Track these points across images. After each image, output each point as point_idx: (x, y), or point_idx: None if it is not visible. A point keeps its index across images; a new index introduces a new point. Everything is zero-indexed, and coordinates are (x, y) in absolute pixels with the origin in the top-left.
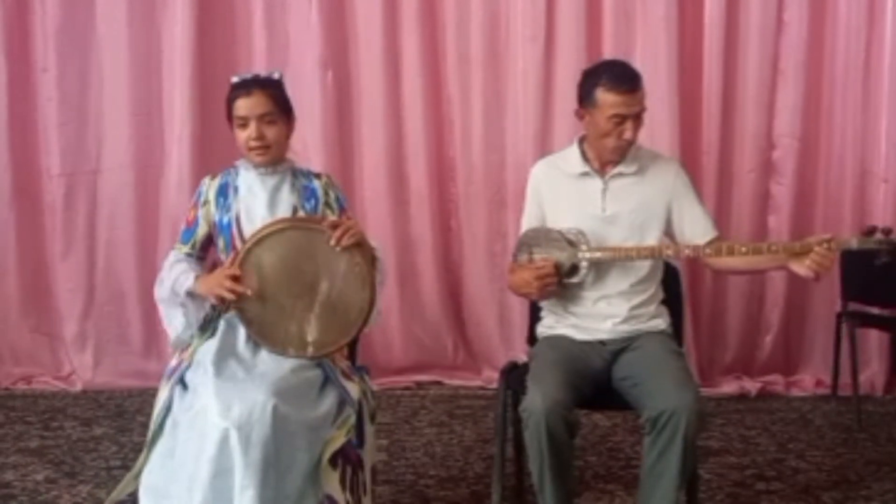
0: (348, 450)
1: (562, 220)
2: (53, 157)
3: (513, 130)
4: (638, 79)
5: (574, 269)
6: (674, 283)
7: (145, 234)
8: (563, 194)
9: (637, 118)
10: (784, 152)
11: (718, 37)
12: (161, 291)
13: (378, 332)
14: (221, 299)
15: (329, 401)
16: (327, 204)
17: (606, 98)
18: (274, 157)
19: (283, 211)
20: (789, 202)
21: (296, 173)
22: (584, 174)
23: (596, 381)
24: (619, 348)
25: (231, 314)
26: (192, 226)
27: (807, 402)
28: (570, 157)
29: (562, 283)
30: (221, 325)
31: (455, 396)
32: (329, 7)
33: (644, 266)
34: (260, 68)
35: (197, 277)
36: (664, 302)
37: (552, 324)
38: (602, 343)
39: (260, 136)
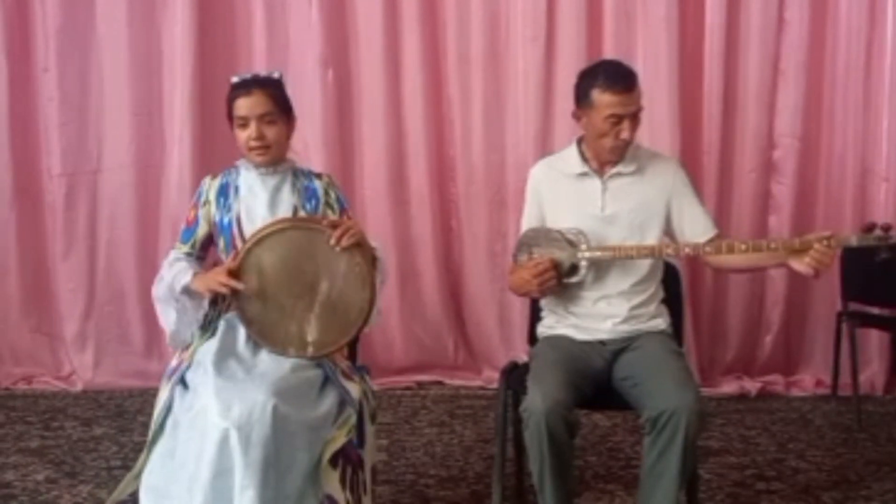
0: (349, 450)
1: (561, 220)
2: (54, 156)
3: (513, 130)
4: (633, 78)
5: (574, 268)
6: (674, 283)
7: (146, 234)
8: (563, 195)
9: (634, 118)
10: (785, 152)
11: (719, 37)
12: (158, 289)
13: (378, 332)
14: (217, 294)
15: (329, 401)
16: (328, 204)
17: (602, 98)
18: (274, 157)
19: (284, 211)
20: (790, 202)
21: (297, 173)
22: (583, 174)
23: (596, 381)
24: (620, 348)
25: (231, 314)
26: (192, 225)
27: (807, 402)
28: (568, 158)
29: (562, 283)
30: (221, 325)
31: (455, 396)
32: (329, 7)
33: (644, 266)
34: (260, 68)
35: (195, 275)
36: (664, 301)
37: (552, 324)
38: (602, 343)
39: (260, 136)
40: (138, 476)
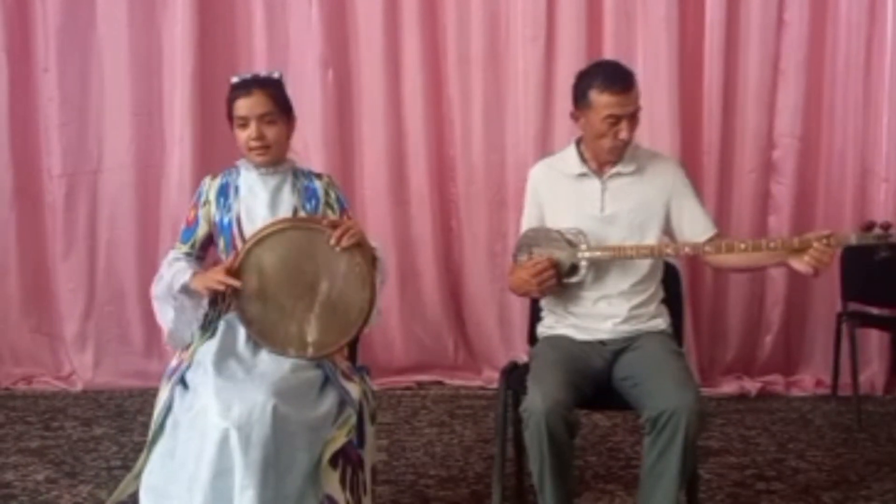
0: (349, 450)
1: (561, 220)
2: (54, 157)
3: (513, 130)
4: (631, 78)
5: (574, 268)
6: (674, 283)
7: (146, 234)
8: (562, 195)
9: (632, 118)
10: (784, 152)
11: (719, 36)
12: (157, 288)
13: (378, 332)
14: (217, 294)
15: (329, 401)
16: (328, 204)
17: (600, 99)
18: (274, 157)
19: (284, 211)
20: (790, 202)
21: (297, 174)
22: (583, 175)
23: (596, 381)
24: (620, 348)
25: (232, 314)
26: (192, 225)
27: (807, 402)
28: (567, 159)
29: (562, 283)
30: (221, 325)
31: (455, 396)
32: (329, 6)
33: (644, 266)
34: (260, 68)
35: (194, 274)
36: (664, 301)
37: (552, 324)
38: (602, 343)
39: (260, 136)
40: (138, 476)
